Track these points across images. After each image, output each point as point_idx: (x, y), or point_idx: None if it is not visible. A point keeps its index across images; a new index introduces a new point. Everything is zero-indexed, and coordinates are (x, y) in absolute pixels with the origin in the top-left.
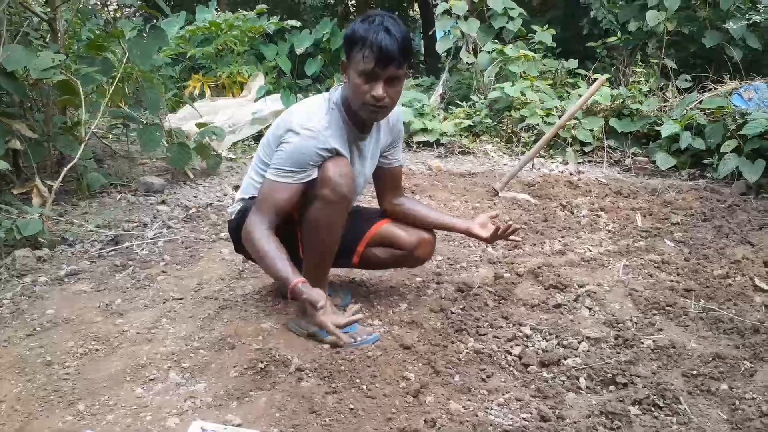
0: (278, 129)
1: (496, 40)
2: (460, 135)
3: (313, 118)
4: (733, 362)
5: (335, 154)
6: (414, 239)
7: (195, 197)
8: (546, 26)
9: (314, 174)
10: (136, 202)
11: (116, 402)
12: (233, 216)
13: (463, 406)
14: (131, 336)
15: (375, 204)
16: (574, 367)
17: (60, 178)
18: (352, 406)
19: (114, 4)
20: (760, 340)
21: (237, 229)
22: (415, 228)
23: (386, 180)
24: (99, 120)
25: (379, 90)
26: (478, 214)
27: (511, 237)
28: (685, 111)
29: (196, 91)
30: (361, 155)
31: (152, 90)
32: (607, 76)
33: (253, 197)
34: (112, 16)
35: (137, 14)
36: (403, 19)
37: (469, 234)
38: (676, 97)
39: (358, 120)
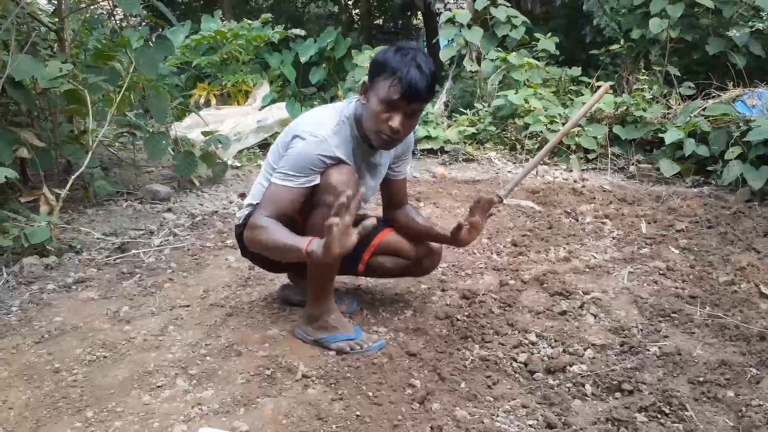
0: (287, 135)
1: (499, 48)
2: (464, 142)
3: (320, 126)
4: (740, 369)
5: (338, 162)
6: (419, 249)
7: (201, 205)
8: (549, 34)
9: (317, 180)
10: (143, 209)
11: (124, 409)
12: (241, 221)
13: (469, 413)
14: (138, 343)
15: (380, 212)
16: (580, 374)
17: (67, 187)
18: (358, 413)
19: (120, 13)
20: (766, 347)
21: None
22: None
23: (390, 191)
24: (106, 128)
25: (396, 122)
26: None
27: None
28: (688, 118)
29: (202, 100)
30: (369, 167)
31: (158, 99)
32: (610, 83)
33: None
34: (119, 25)
35: (143, 24)
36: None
37: (451, 243)
38: (679, 104)
39: (367, 138)
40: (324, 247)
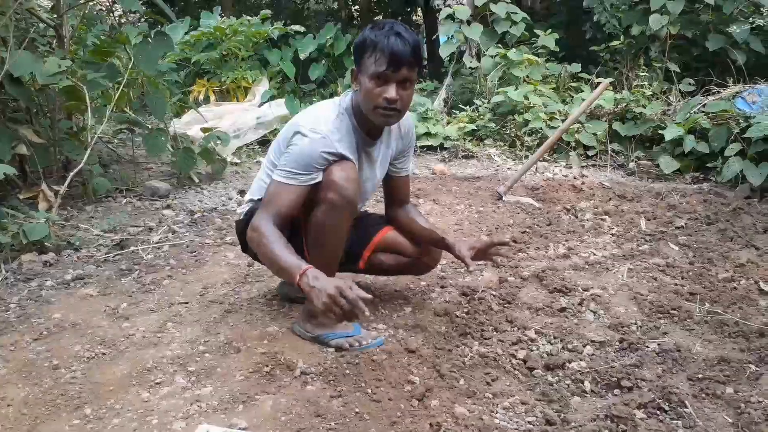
0: (288, 132)
1: (499, 45)
2: (464, 139)
3: (321, 121)
4: (739, 366)
5: (341, 158)
6: (420, 247)
7: (200, 201)
8: (549, 30)
9: (319, 177)
10: (142, 206)
11: (122, 406)
12: (242, 216)
13: (468, 410)
14: (137, 340)
15: (380, 208)
16: (579, 371)
17: (66, 183)
18: (357, 410)
19: (119, 10)
20: (766, 344)
21: (245, 229)
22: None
23: (392, 188)
24: (105, 125)
25: (391, 92)
26: (472, 235)
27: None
28: (688, 114)
29: (201, 96)
30: (370, 161)
31: (157, 95)
32: (610, 79)
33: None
34: (118, 21)
35: (142, 20)
36: (407, 24)
37: (451, 253)
38: (679, 101)
39: (368, 126)
40: (319, 296)
